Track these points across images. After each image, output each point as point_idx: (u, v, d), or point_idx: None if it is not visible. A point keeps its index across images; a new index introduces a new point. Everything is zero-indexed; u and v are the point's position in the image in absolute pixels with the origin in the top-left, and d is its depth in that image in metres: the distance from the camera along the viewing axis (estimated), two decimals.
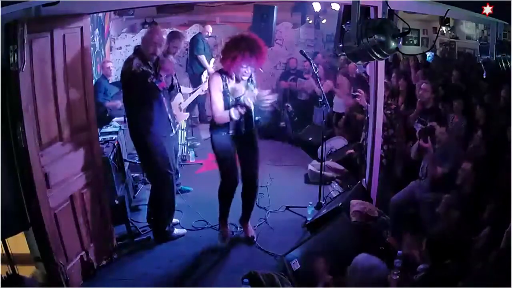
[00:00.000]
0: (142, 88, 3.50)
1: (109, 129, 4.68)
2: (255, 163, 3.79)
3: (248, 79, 3.56)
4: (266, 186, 4.92)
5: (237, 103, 3.46)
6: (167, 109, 3.76)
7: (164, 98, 3.71)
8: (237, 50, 3.34)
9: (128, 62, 3.53)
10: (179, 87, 4.61)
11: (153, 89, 3.52)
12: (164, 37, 3.83)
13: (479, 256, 2.41)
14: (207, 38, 7.21)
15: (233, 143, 3.64)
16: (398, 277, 2.97)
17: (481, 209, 2.99)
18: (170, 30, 5.03)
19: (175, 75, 4.32)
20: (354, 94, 4.64)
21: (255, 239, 3.89)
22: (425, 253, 2.70)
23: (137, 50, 3.61)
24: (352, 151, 5.19)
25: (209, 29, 7.08)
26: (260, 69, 3.64)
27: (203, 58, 6.36)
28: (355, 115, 5.65)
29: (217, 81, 3.46)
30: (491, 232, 2.54)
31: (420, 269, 2.69)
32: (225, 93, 3.47)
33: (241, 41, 3.37)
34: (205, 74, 6.59)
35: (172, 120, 3.86)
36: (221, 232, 3.91)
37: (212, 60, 7.06)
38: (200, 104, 7.11)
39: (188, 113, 5.10)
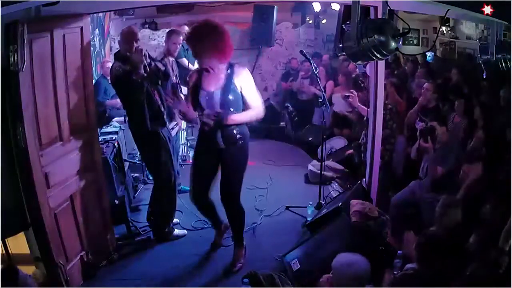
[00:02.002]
0: (128, 87, 3.51)
1: (109, 129, 4.68)
2: (231, 182, 3.34)
3: (228, 74, 3.21)
4: (266, 188, 4.90)
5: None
6: (159, 102, 3.74)
7: (154, 92, 3.69)
8: (186, 37, 3.27)
9: (111, 68, 3.63)
10: (181, 87, 4.60)
11: (138, 84, 3.50)
12: (139, 32, 3.80)
13: (475, 256, 2.39)
14: None
15: (212, 155, 3.31)
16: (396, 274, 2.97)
17: (481, 209, 2.99)
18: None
19: (176, 76, 4.32)
20: (346, 95, 4.64)
21: (236, 268, 3.46)
22: (415, 252, 2.70)
23: (116, 56, 3.68)
24: (352, 151, 5.20)
25: (184, 30, 6.89)
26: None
27: (184, 61, 6.30)
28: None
29: (192, 76, 3.34)
30: (489, 233, 2.53)
31: (408, 267, 2.68)
32: (197, 88, 3.26)
33: (193, 29, 3.17)
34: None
35: (164, 112, 3.78)
36: (215, 238, 3.82)
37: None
38: None
39: None
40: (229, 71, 3.22)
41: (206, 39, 3.07)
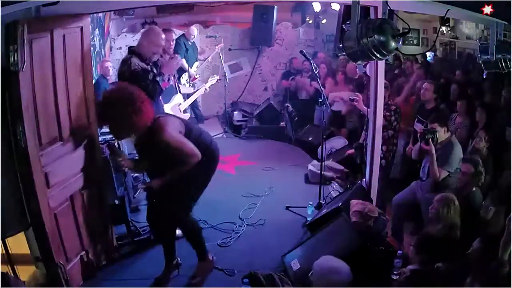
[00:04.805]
0: (142, 88, 3.49)
1: None
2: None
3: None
4: (263, 195, 4.79)
5: None
6: (162, 109, 3.75)
7: (161, 99, 3.71)
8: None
9: (126, 62, 3.59)
10: (179, 87, 4.60)
11: (154, 88, 3.52)
12: (163, 36, 3.81)
13: (475, 260, 2.39)
14: (207, 38, 7.19)
15: None
16: (398, 277, 2.98)
17: (480, 209, 2.99)
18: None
19: (173, 76, 4.33)
20: (351, 98, 4.61)
21: (193, 281, 3.31)
22: (413, 254, 2.70)
23: (133, 51, 3.66)
24: (352, 151, 5.20)
25: (194, 32, 6.71)
26: None
27: (183, 62, 6.28)
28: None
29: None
30: (489, 236, 2.53)
31: (407, 269, 2.68)
32: None
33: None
34: (184, 76, 6.45)
35: None
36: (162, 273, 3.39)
37: (196, 63, 6.87)
38: (195, 105, 7.08)
39: (188, 114, 5.10)
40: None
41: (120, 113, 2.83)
